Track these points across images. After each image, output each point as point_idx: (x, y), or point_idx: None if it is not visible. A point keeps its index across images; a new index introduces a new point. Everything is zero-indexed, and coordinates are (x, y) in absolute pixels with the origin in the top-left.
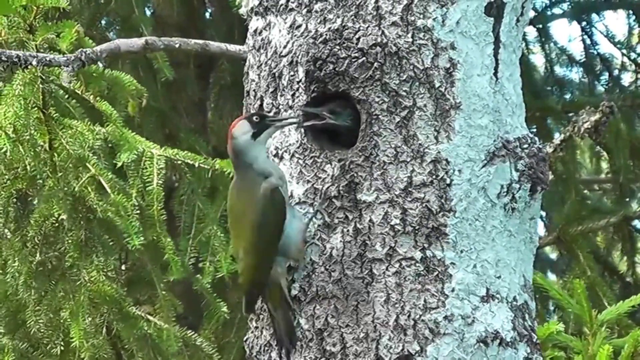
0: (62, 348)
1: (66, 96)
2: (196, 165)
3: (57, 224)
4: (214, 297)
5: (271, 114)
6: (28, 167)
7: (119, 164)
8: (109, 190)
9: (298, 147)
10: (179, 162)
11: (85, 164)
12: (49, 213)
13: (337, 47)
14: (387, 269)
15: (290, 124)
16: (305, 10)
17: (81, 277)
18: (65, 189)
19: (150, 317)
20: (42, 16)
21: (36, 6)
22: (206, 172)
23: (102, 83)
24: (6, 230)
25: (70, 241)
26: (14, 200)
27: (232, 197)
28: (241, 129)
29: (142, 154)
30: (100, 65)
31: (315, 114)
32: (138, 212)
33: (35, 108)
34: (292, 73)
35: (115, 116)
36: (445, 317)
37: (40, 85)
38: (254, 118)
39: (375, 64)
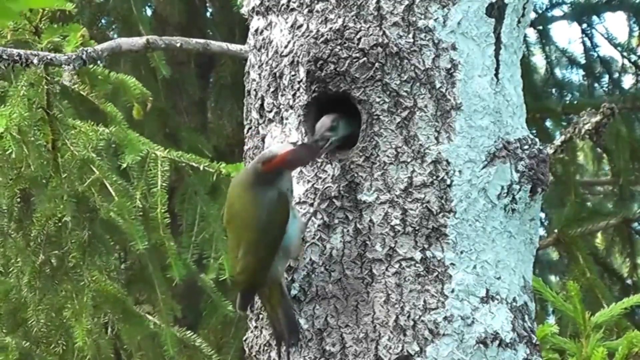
0: (64, 347)
1: (72, 95)
2: (201, 168)
3: (60, 224)
4: (219, 295)
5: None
6: (32, 167)
7: (124, 166)
8: (113, 194)
9: None
10: (183, 164)
11: (90, 165)
12: (52, 213)
13: (338, 47)
14: (387, 269)
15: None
16: (306, 10)
17: (84, 277)
18: (69, 189)
19: (150, 317)
20: (47, 18)
21: (42, 9)
22: (211, 175)
23: (107, 86)
24: (10, 230)
25: (73, 241)
26: (18, 199)
27: (235, 196)
28: (297, 165)
29: (147, 155)
30: (101, 64)
31: (316, 140)
32: (141, 214)
33: (40, 109)
34: (293, 73)
35: (119, 118)
36: (445, 318)
37: (45, 86)
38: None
39: (376, 64)
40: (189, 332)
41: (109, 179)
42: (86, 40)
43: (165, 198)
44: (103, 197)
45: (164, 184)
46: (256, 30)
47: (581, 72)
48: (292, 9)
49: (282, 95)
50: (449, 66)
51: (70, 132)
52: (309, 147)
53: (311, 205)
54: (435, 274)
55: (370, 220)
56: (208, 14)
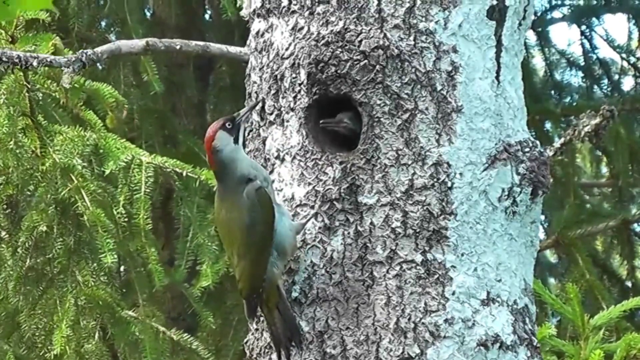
0: (55, 353)
1: (53, 104)
2: (184, 174)
3: (47, 230)
4: (201, 305)
5: (235, 113)
6: (15, 175)
7: (107, 172)
8: (88, 204)
9: (299, 150)
10: (168, 170)
11: (70, 174)
12: (40, 219)
13: (339, 49)
14: (387, 271)
15: (251, 107)
16: (307, 12)
17: (68, 283)
18: (53, 196)
19: (147, 320)
20: (23, 27)
21: (16, 17)
22: (194, 182)
23: (81, 94)
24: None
25: (59, 247)
26: (4, 206)
27: (217, 207)
28: (223, 141)
29: (131, 161)
30: (100, 66)
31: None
32: (126, 219)
33: (23, 115)
34: (293, 75)
35: (99, 125)
36: (446, 320)
37: (27, 94)
38: (227, 125)
39: (377, 67)
40: (185, 334)
41: (87, 189)
42: (58, 49)
43: (148, 204)
44: (87, 203)
45: (147, 190)
46: (257, 33)
47: (580, 74)
48: (293, 12)
49: (283, 98)
50: (449, 69)
51: (58, 138)
52: (227, 128)
53: (312, 207)
54: (436, 276)
55: (371, 223)
56: (207, 17)
